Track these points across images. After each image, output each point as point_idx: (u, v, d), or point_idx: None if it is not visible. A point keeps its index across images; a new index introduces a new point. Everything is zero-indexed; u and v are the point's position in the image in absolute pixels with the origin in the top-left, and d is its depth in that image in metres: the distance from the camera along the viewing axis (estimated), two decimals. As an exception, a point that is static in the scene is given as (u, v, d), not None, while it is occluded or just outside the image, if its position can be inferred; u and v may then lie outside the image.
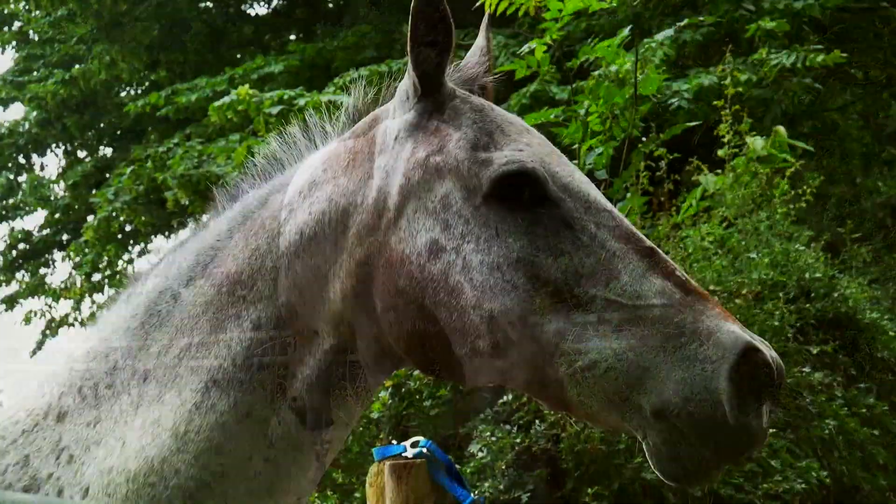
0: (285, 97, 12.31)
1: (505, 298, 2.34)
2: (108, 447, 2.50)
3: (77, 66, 20.24)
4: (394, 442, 5.36)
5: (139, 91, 21.79)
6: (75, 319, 22.67)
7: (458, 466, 4.95)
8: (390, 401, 6.05)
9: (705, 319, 2.25)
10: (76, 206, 21.71)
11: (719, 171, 8.53)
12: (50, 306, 22.83)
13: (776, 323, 6.72)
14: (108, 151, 22.79)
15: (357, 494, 5.85)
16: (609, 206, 2.48)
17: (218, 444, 2.46)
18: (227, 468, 2.46)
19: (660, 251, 2.42)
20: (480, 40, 2.91)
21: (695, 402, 2.17)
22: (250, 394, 2.49)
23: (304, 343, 2.54)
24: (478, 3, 6.44)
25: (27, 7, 20.57)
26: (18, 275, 23.43)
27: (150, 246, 22.43)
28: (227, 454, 2.46)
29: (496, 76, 2.88)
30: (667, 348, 2.23)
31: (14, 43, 21.89)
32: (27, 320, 22.55)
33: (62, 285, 21.99)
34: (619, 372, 2.25)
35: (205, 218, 2.91)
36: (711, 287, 6.83)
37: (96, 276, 21.28)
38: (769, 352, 2.22)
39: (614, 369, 2.26)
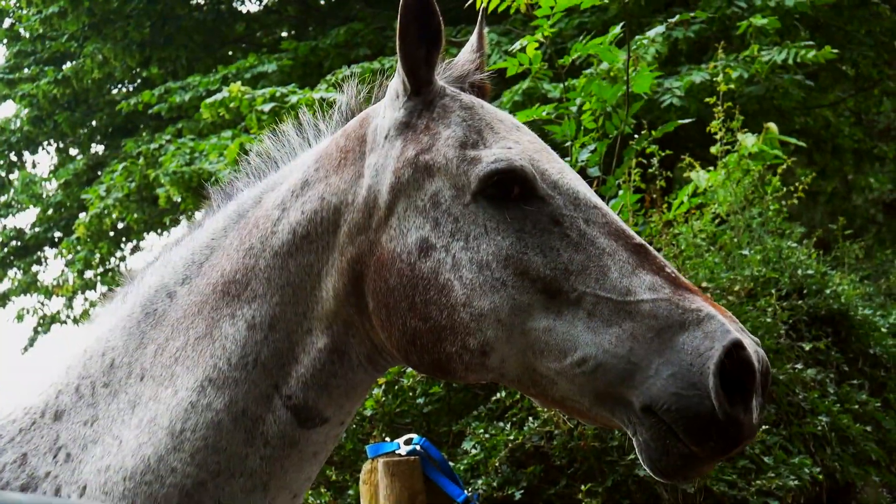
0: (277, 94, 12.28)
1: (494, 296, 2.35)
2: (105, 445, 2.51)
3: (69, 65, 20.19)
4: (387, 439, 5.37)
5: (131, 88, 21.76)
6: (67, 316, 22.68)
7: (451, 464, 4.96)
8: (384, 398, 6.04)
9: (694, 314, 2.26)
10: (68, 204, 21.69)
11: (711, 167, 8.54)
12: (42, 303, 22.84)
13: (769, 320, 6.73)
14: (100, 149, 22.74)
15: (351, 492, 5.85)
16: (599, 202, 2.49)
17: (214, 443, 2.47)
18: (224, 466, 2.47)
19: (650, 247, 2.43)
20: (474, 37, 2.91)
21: (684, 398, 2.18)
22: (246, 392, 2.50)
23: (299, 341, 2.55)
24: (469, 1, 6.43)
25: (18, 4, 20.49)
26: (11, 272, 23.41)
27: (142, 243, 22.43)
28: (224, 452, 2.47)
29: (487, 74, 2.87)
30: (656, 344, 2.24)
31: (5, 40, 21.81)
32: (19, 317, 22.54)
33: (54, 282, 21.97)
34: (609, 368, 2.26)
35: (199, 216, 2.91)
36: (704, 284, 6.84)
37: (88, 273, 21.27)
38: (754, 348, 2.23)
39: (604, 365, 2.27)
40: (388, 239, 2.48)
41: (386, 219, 2.51)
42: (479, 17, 2.96)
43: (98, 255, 20.43)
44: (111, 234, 20.35)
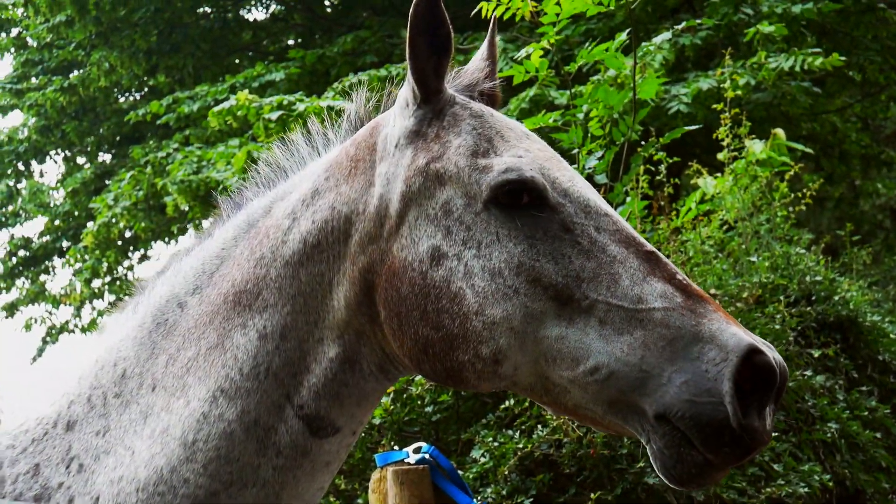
0: (284, 103, 12.30)
1: (507, 304, 2.35)
2: (117, 456, 2.51)
3: (76, 73, 20.24)
4: (396, 448, 5.36)
5: (138, 97, 21.80)
6: (76, 326, 22.70)
7: (460, 472, 4.95)
8: (392, 407, 6.04)
9: (707, 322, 2.25)
10: (76, 213, 21.73)
11: (719, 174, 8.53)
12: (50, 313, 22.87)
13: (777, 326, 6.71)
14: (108, 157, 22.79)
15: (360, 500, 5.84)
16: (609, 210, 2.49)
17: (227, 453, 2.47)
18: (236, 476, 2.47)
19: (661, 254, 2.43)
20: (484, 46, 2.91)
21: (697, 405, 2.18)
22: (258, 402, 2.50)
23: (310, 351, 2.54)
24: (476, 9, 6.43)
25: (26, 13, 20.56)
26: (18, 282, 23.45)
27: (150, 252, 22.46)
28: (236, 462, 2.47)
29: (497, 82, 2.87)
30: (668, 352, 2.24)
31: (12, 49, 21.88)
32: (27, 327, 22.58)
33: (62, 292, 22.00)
34: (621, 376, 2.26)
35: (208, 225, 2.91)
36: (712, 291, 6.82)
37: (96, 283, 21.31)
38: (772, 353, 2.22)
39: (616, 373, 2.26)
40: (400, 248, 2.48)
41: (397, 228, 2.50)
42: (491, 26, 2.95)
43: (106, 264, 20.46)
44: (119, 242, 20.38)
